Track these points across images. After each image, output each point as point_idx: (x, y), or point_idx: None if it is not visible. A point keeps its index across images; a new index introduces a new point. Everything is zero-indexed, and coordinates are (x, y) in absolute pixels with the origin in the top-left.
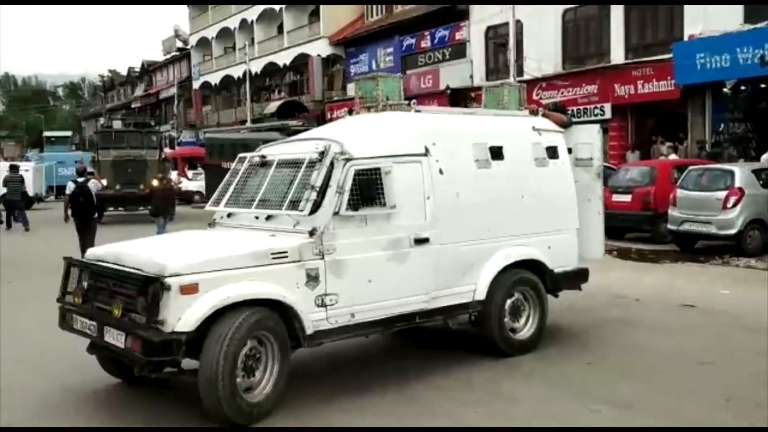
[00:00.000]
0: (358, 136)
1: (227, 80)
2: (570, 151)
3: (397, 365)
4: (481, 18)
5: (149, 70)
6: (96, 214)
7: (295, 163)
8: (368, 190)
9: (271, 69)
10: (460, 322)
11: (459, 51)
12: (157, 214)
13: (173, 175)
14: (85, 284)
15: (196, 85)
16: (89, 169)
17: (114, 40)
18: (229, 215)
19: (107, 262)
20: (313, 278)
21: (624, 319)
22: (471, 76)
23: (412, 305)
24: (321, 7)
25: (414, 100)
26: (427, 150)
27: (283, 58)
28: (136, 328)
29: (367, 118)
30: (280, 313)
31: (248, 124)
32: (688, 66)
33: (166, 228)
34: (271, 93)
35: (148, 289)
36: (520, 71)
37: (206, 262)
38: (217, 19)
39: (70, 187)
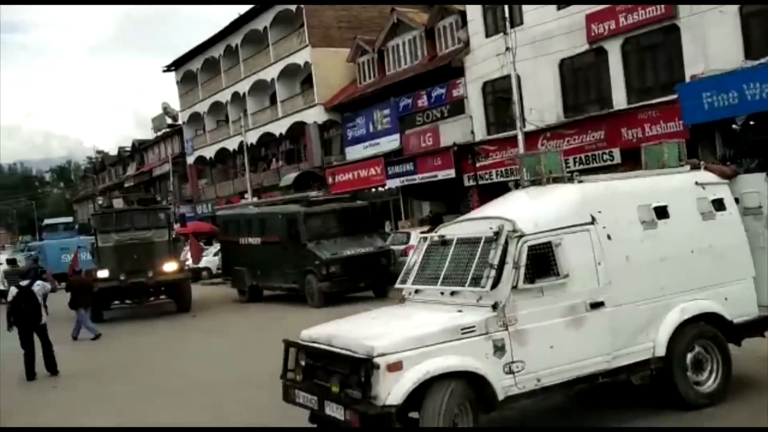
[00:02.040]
0: (527, 211)
1: (222, 153)
2: (737, 201)
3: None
4: (478, 73)
5: (140, 148)
6: (42, 321)
7: (473, 242)
8: (541, 263)
9: (266, 139)
10: (643, 377)
11: (457, 107)
12: (76, 306)
13: (188, 255)
14: (303, 363)
15: (190, 159)
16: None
17: (98, 121)
18: (417, 291)
19: (320, 343)
20: (499, 348)
21: None
22: (472, 132)
23: (593, 366)
24: (313, 74)
25: (576, 173)
26: (593, 218)
27: (279, 128)
28: (352, 402)
29: (533, 192)
30: (471, 381)
31: (251, 199)
32: (695, 106)
33: (86, 318)
34: (268, 162)
35: (360, 368)
36: (522, 123)
37: (407, 340)
38: (208, 94)
39: (13, 292)
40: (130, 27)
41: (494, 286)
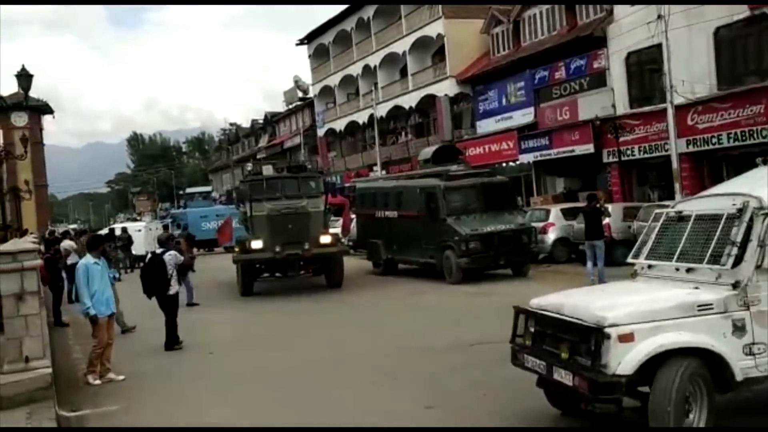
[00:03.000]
0: None
1: (352, 126)
2: None
3: None
4: (622, 44)
5: (272, 120)
6: (171, 291)
7: (714, 218)
8: None
9: (396, 112)
10: None
11: (598, 80)
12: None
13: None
14: (532, 329)
15: (320, 132)
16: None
17: (228, 94)
18: (650, 266)
19: (549, 311)
20: (739, 328)
21: None
22: (613, 105)
23: None
24: (445, 46)
25: None
26: None
27: (409, 101)
28: (582, 369)
29: None
30: (706, 360)
31: (380, 172)
32: None
33: (189, 284)
34: (397, 136)
35: (590, 337)
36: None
37: (640, 313)
38: (339, 67)
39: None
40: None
41: (736, 264)
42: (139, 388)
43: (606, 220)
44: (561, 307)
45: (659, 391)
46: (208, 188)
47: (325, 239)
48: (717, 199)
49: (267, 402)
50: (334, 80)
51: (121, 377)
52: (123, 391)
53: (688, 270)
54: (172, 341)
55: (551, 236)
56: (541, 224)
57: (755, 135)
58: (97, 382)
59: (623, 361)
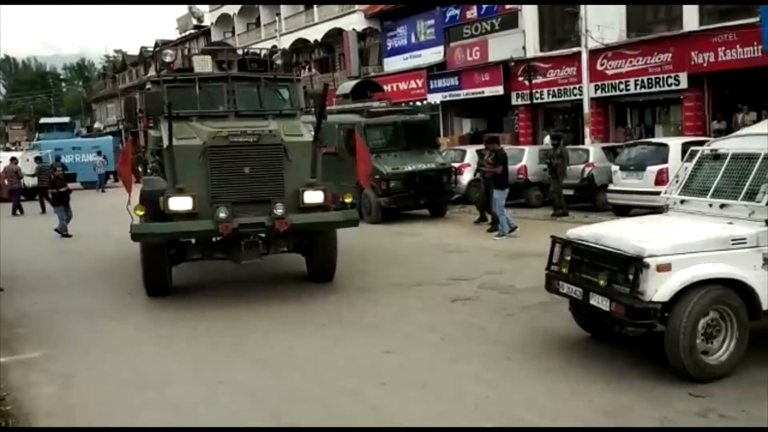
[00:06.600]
0: None
1: None
2: None
3: None
4: None
5: (164, 49)
6: None
7: (750, 157)
8: None
9: (299, 45)
10: None
11: (509, 21)
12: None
13: None
14: (568, 258)
15: None
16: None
17: (107, 19)
18: (682, 202)
19: (588, 242)
20: None
21: None
22: (524, 47)
23: None
24: None
25: None
26: None
27: (314, 34)
28: (619, 296)
29: None
30: (738, 291)
31: None
32: None
33: (66, 217)
34: (300, 70)
35: (629, 266)
36: (578, 41)
37: (677, 245)
38: None
39: None
40: None
41: None
42: (52, 330)
43: (521, 163)
44: (600, 238)
45: (676, 315)
46: (65, 119)
47: (312, 196)
48: (754, 139)
49: (216, 348)
50: (233, 8)
51: None
52: (38, 335)
53: (722, 206)
54: None
55: (467, 177)
56: (457, 165)
57: (661, 82)
58: None
59: (659, 289)
